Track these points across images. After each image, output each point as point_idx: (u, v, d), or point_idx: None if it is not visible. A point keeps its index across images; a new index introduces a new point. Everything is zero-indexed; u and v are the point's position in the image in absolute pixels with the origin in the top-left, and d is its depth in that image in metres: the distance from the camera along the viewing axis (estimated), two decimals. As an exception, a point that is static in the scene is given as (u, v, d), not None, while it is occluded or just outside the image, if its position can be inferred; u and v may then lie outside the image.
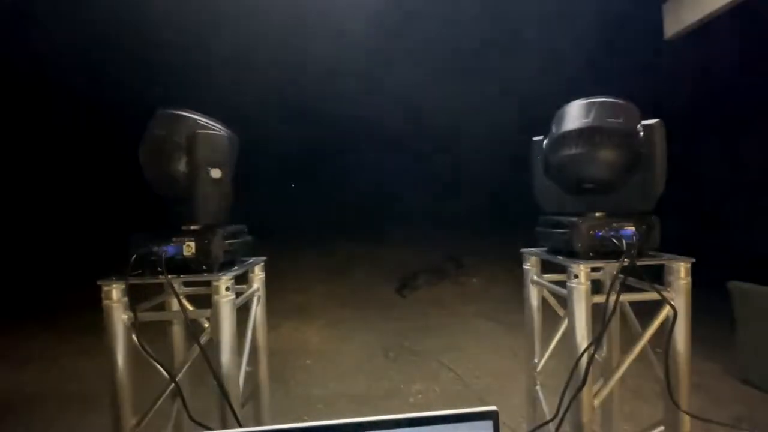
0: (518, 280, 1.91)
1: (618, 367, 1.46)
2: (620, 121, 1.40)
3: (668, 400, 1.38)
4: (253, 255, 1.74)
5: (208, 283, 1.36)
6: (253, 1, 3.53)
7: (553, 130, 1.50)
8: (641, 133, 1.43)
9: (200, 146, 1.35)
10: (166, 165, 1.35)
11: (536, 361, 1.81)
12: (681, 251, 1.47)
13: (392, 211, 10.13)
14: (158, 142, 1.36)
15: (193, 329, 1.38)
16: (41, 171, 8.29)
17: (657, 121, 1.43)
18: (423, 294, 6.12)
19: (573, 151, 1.40)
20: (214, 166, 1.38)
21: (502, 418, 0.60)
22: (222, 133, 1.46)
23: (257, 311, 1.73)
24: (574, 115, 1.43)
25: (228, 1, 3.56)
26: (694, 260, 1.41)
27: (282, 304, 5.29)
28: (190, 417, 1.30)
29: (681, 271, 1.40)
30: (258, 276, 1.74)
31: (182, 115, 1.40)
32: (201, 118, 1.43)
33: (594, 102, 1.42)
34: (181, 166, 1.36)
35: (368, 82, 5.27)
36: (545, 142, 1.55)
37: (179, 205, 1.39)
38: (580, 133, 1.39)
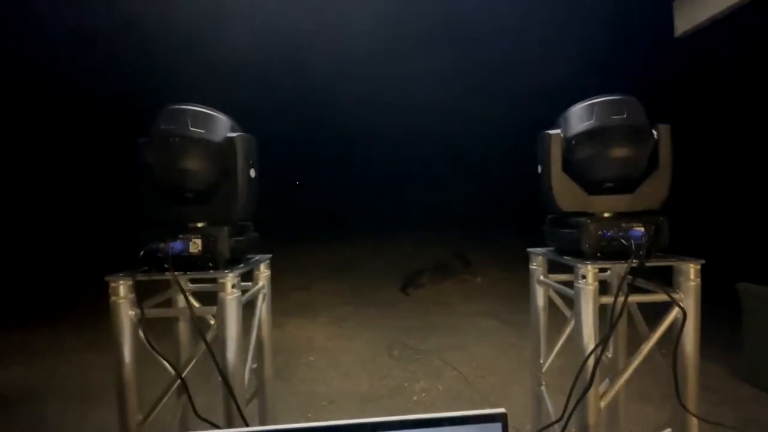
0: (523, 279, 1.90)
1: (625, 368, 1.45)
2: (639, 118, 1.39)
3: (675, 402, 1.36)
4: (259, 252, 1.75)
5: (214, 280, 1.37)
6: (255, 2, 3.54)
7: (572, 127, 1.44)
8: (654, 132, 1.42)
9: (240, 147, 1.41)
10: (195, 164, 1.35)
11: (542, 361, 1.80)
12: (689, 252, 1.46)
13: (397, 209, 10.12)
14: (186, 140, 1.34)
15: (199, 326, 1.38)
16: (50, 167, 8.36)
17: (666, 125, 1.42)
18: (427, 292, 6.11)
19: (596, 149, 1.37)
20: (252, 167, 1.46)
21: (508, 420, 0.59)
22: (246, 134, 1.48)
23: (262, 308, 1.73)
24: (594, 112, 1.40)
25: (231, 2, 3.57)
26: (703, 261, 1.39)
27: (286, 302, 5.30)
28: (197, 414, 1.31)
29: (690, 272, 1.39)
30: (264, 273, 1.74)
31: (212, 114, 1.42)
32: (225, 117, 1.45)
33: (612, 100, 1.40)
34: (217, 165, 1.38)
35: (372, 82, 5.26)
36: (562, 139, 1.48)
37: (200, 203, 1.41)
38: (604, 131, 1.36)
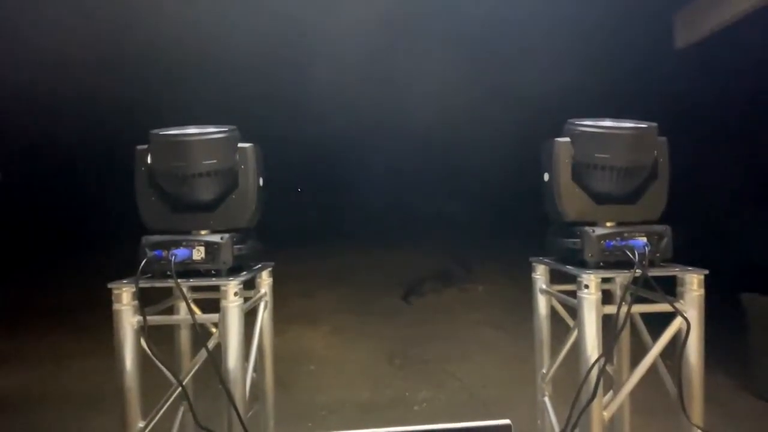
0: (525, 288, 1.89)
1: (628, 379, 1.44)
2: (642, 127, 1.41)
3: (680, 415, 1.35)
4: (262, 260, 1.75)
5: (216, 288, 1.37)
6: (255, 2, 3.57)
7: (584, 135, 1.44)
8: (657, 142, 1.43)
9: (251, 157, 1.44)
10: (212, 176, 1.39)
11: (545, 371, 1.78)
12: (691, 261, 1.46)
13: (398, 217, 10.12)
14: (190, 149, 1.37)
15: (201, 334, 1.38)
16: (53, 169, 8.40)
17: (653, 125, 1.43)
18: (428, 301, 6.08)
19: (609, 158, 1.38)
20: (260, 176, 1.50)
21: (512, 431, 0.59)
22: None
23: (264, 316, 1.73)
24: (596, 123, 1.43)
25: (230, 3, 3.60)
26: (707, 272, 1.39)
27: (286, 310, 5.28)
28: (198, 423, 1.30)
29: (694, 282, 1.39)
30: (266, 281, 1.74)
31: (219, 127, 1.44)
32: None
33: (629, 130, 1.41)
34: (231, 175, 1.43)
35: (373, 86, 5.27)
36: (571, 148, 1.46)
37: (205, 211, 1.44)
38: (617, 138, 1.38)
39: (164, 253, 1.32)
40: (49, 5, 3.40)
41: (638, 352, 1.52)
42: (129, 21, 3.70)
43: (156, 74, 4.66)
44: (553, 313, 1.77)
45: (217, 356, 1.34)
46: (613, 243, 1.38)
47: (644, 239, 1.37)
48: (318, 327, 4.95)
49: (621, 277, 1.62)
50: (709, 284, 1.40)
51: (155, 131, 1.40)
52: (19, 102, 5.08)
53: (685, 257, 1.47)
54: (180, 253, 1.34)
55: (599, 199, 1.45)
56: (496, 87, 5.20)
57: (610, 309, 1.38)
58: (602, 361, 1.31)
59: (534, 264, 1.77)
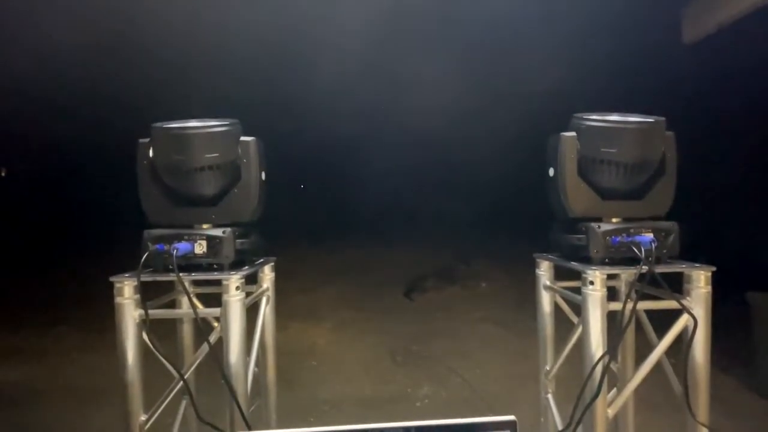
0: (527, 285, 1.88)
1: (633, 377, 1.43)
2: (650, 122, 1.38)
3: (686, 413, 1.34)
4: (264, 255, 1.74)
5: (218, 282, 1.37)
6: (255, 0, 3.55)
7: (591, 130, 1.41)
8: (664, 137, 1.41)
9: (253, 151, 1.43)
10: (221, 168, 1.38)
11: (548, 368, 1.77)
12: (697, 258, 1.44)
13: (401, 214, 10.11)
14: (191, 143, 1.36)
15: (202, 328, 1.38)
16: (56, 164, 8.43)
17: (661, 119, 1.40)
18: (431, 298, 6.08)
19: (616, 152, 1.36)
20: (262, 170, 1.49)
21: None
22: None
23: (266, 311, 1.72)
24: (604, 118, 1.41)
25: (231, 1, 3.58)
26: (714, 269, 1.37)
27: (288, 305, 5.28)
28: (199, 417, 1.30)
29: (701, 279, 1.37)
30: (268, 276, 1.74)
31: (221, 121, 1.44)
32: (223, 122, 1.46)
33: (624, 115, 1.40)
34: (233, 169, 1.42)
35: (375, 83, 5.25)
36: (578, 142, 1.44)
37: (208, 205, 1.43)
38: (625, 133, 1.36)
39: (166, 247, 1.32)
40: (49, 1, 3.39)
41: (642, 349, 1.50)
42: (131, 15, 3.69)
43: (158, 68, 4.65)
44: (557, 309, 1.76)
45: (219, 350, 1.34)
46: (618, 239, 1.36)
47: (651, 235, 1.35)
48: (320, 323, 4.96)
49: (626, 274, 1.60)
50: (714, 282, 1.39)
51: (157, 125, 1.39)
52: (20, 99, 5.09)
53: (692, 254, 1.45)
54: (182, 247, 1.34)
55: (605, 194, 1.43)
56: (498, 83, 5.16)
57: (615, 306, 1.37)
58: (606, 358, 1.29)
59: (538, 260, 1.75)
